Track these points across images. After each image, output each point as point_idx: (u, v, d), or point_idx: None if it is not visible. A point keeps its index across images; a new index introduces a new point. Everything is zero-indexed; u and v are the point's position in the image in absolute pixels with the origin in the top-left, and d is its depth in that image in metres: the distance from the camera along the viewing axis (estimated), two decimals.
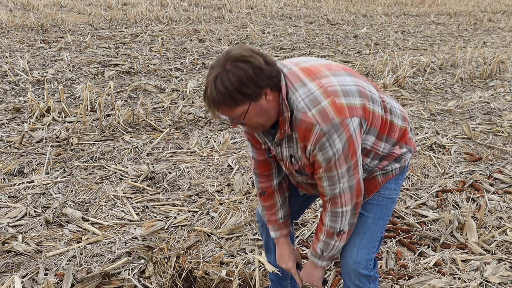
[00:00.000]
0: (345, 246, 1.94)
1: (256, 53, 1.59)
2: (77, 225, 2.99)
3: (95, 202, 3.28)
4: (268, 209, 2.05)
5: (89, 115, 4.80)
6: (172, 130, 4.63)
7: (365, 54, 8.46)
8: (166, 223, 3.02)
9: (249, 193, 3.44)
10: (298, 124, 1.66)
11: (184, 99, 5.54)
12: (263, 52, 1.64)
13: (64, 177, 3.60)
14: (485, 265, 2.70)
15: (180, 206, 3.26)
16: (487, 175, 3.85)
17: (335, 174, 1.71)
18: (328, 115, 1.61)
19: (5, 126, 4.50)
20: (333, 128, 1.62)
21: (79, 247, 2.75)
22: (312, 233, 2.96)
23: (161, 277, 2.54)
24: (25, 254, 2.68)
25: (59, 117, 4.72)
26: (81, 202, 3.27)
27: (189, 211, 3.19)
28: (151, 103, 5.36)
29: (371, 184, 1.91)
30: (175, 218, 3.10)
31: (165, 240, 2.85)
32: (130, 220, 3.07)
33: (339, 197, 1.77)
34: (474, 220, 3.11)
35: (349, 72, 1.78)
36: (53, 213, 3.09)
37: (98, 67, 6.74)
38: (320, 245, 1.88)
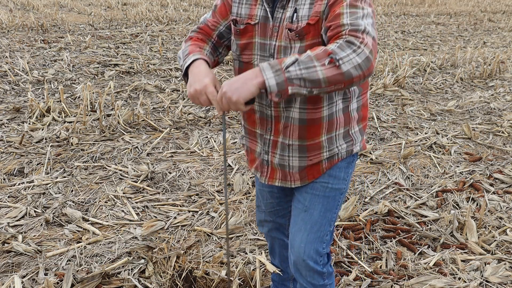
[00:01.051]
0: (292, 243, 1.76)
1: None
2: (77, 225, 2.99)
3: (95, 202, 3.28)
4: (195, 46, 1.70)
5: (89, 115, 4.80)
6: (172, 130, 4.63)
7: None
8: (166, 223, 3.03)
9: (249, 193, 3.45)
10: None
11: (184, 99, 5.54)
12: None
13: (64, 177, 3.60)
14: (485, 265, 2.70)
15: (180, 206, 3.26)
16: (487, 175, 3.85)
17: (359, 11, 1.45)
18: None
19: (5, 126, 4.50)
20: None
21: (79, 247, 2.75)
22: None
23: (161, 277, 2.54)
24: (25, 254, 2.68)
25: (59, 117, 4.72)
26: (81, 202, 3.27)
27: (189, 211, 3.19)
28: (151, 103, 5.36)
29: (314, 169, 1.72)
30: (175, 218, 3.10)
31: (165, 240, 2.85)
32: (130, 220, 3.07)
33: (362, 33, 1.40)
34: (474, 220, 3.11)
35: None
36: (53, 213, 3.10)
37: (98, 67, 6.74)
38: (297, 57, 1.38)
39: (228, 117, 4.98)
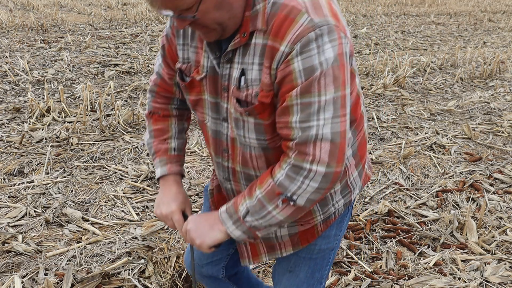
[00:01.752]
0: None
1: None
2: (77, 225, 2.99)
3: (95, 202, 3.28)
4: (158, 135, 1.49)
5: (89, 115, 4.80)
6: None
7: (365, 54, 8.46)
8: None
9: None
10: (275, 13, 1.12)
11: None
12: None
13: (64, 177, 3.60)
14: (485, 265, 2.70)
15: None
16: (487, 175, 3.85)
17: (314, 101, 1.11)
18: (322, 9, 1.11)
19: (5, 126, 4.50)
20: (326, 26, 1.09)
21: (79, 247, 2.75)
22: None
23: (161, 277, 2.54)
24: (25, 254, 2.68)
25: (59, 117, 4.72)
26: (81, 202, 3.27)
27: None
28: None
29: (308, 232, 1.43)
30: None
31: (165, 240, 2.85)
32: (130, 220, 3.07)
33: (312, 145, 1.13)
34: (474, 220, 3.11)
35: None
36: (53, 213, 3.10)
37: (98, 67, 6.74)
38: (249, 203, 1.22)
39: None
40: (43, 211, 3.12)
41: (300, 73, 1.09)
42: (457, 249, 2.86)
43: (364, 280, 2.54)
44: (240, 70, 1.19)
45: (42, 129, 4.44)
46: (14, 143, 4.11)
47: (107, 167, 3.79)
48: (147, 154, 4.06)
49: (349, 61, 1.16)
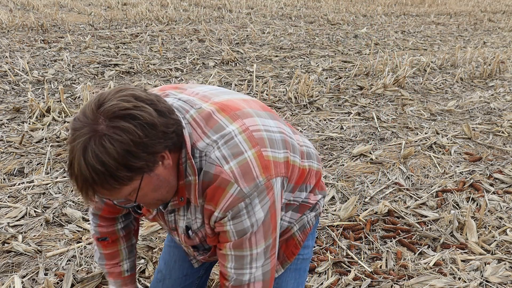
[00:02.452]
0: None
1: (142, 99, 1.07)
2: (77, 225, 2.99)
3: None
4: (109, 259, 1.56)
5: None
6: None
7: (365, 54, 8.46)
8: None
9: None
10: (208, 181, 1.19)
11: None
12: (151, 92, 1.15)
13: (64, 177, 3.60)
14: (485, 265, 2.70)
15: None
16: (487, 175, 3.85)
17: (247, 254, 1.26)
18: (252, 172, 1.18)
19: (5, 126, 4.50)
20: (256, 191, 1.18)
21: (79, 247, 2.75)
22: None
23: None
24: (25, 254, 2.68)
25: (59, 117, 4.72)
26: (81, 202, 3.27)
27: None
28: None
29: (290, 244, 1.52)
30: None
31: (165, 240, 2.84)
32: None
33: (246, 287, 1.30)
34: (474, 220, 3.11)
35: (269, 113, 1.36)
36: (53, 213, 3.10)
37: (98, 67, 6.74)
38: None
39: None
40: (43, 211, 3.12)
41: (233, 233, 1.24)
42: (457, 249, 2.86)
43: (364, 280, 2.54)
44: (186, 223, 1.33)
45: (42, 129, 4.44)
46: (14, 143, 4.11)
47: None
48: None
49: (281, 198, 1.29)
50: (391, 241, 2.91)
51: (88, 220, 3.03)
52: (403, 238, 2.95)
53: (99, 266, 1.58)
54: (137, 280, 1.62)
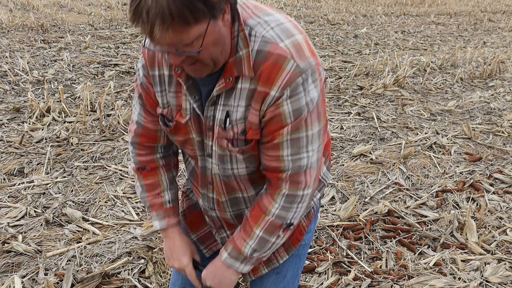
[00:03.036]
0: None
1: None
2: (77, 225, 2.99)
3: (95, 202, 3.28)
4: (150, 189, 1.50)
5: (89, 115, 4.80)
6: None
7: (365, 54, 8.46)
8: None
9: None
10: (262, 61, 1.16)
11: None
12: None
13: (64, 177, 3.60)
14: (485, 265, 2.70)
15: None
16: (487, 175, 3.85)
17: (303, 136, 1.22)
18: (304, 52, 1.18)
19: (5, 126, 4.50)
20: (310, 69, 1.17)
21: (79, 247, 2.75)
22: None
23: (161, 277, 2.54)
24: (25, 254, 2.68)
25: (59, 117, 4.72)
26: (81, 202, 3.27)
27: None
28: None
29: (296, 231, 1.48)
30: None
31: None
32: (130, 220, 3.07)
33: (303, 174, 1.26)
34: (474, 220, 3.11)
35: None
36: (53, 213, 3.10)
37: (98, 67, 6.74)
38: (252, 243, 1.33)
39: None
40: (43, 211, 3.12)
41: (289, 113, 1.19)
42: (457, 249, 2.86)
43: (364, 280, 2.54)
44: (225, 112, 1.24)
45: (42, 129, 4.44)
46: (14, 143, 4.11)
47: (107, 167, 3.79)
48: None
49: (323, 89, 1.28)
50: (391, 241, 2.91)
51: (88, 220, 3.04)
52: (403, 238, 2.95)
53: (141, 200, 1.53)
54: (179, 215, 1.57)
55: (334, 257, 2.73)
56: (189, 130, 1.33)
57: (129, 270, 2.57)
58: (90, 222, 3.03)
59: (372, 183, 3.69)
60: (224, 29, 1.13)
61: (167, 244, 1.50)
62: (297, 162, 1.24)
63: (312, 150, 1.24)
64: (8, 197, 3.30)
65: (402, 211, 3.24)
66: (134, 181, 1.59)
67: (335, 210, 3.25)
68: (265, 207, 1.31)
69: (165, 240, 1.51)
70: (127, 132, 4.50)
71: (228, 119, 1.24)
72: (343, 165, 3.96)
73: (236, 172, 1.34)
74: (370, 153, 4.20)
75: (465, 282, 2.55)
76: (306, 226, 1.51)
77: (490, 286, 2.54)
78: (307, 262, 2.66)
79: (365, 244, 2.90)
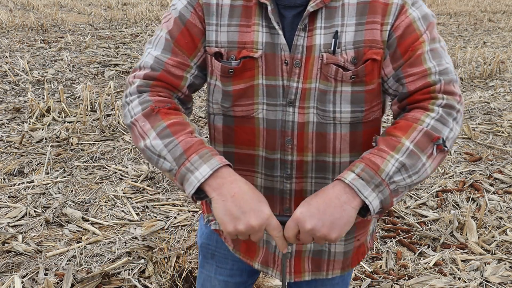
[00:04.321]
0: None
1: None
2: (77, 225, 2.99)
3: (95, 202, 3.28)
4: (179, 129, 1.01)
5: (89, 115, 4.80)
6: None
7: None
8: (166, 223, 3.03)
9: None
10: None
11: None
12: None
13: (64, 177, 3.60)
14: (485, 265, 2.70)
15: (180, 206, 3.26)
16: (487, 175, 3.85)
17: (439, 46, 1.07)
18: None
19: (5, 126, 4.50)
20: None
21: (79, 247, 2.75)
22: None
23: (161, 277, 2.54)
24: (25, 254, 2.68)
25: (59, 117, 4.72)
26: (81, 202, 3.27)
27: (189, 211, 3.19)
28: None
29: (359, 251, 1.29)
30: (175, 218, 3.10)
31: (165, 240, 2.85)
32: (130, 220, 3.07)
33: (454, 85, 1.06)
34: (474, 220, 3.11)
35: None
36: (53, 213, 3.10)
37: (98, 67, 6.74)
38: (398, 156, 0.97)
39: None
40: (43, 211, 3.12)
41: (420, 21, 1.04)
42: (457, 249, 2.86)
43: (364, 280, 2.54)
44: (331, 35, 1.03)
45: (42, 129, 4.44)
46: (14, 143, 4.11)
47: (107, 167, 3.79)
48: None
49: None
50: (391, 241, 2.91)
51: (88, 220, 3.04)
52: (403, 238, 2.95)
53: (159, 152, 0.99)
54: None
55: None
56: (257, 72, 1.07)
57: (129, 270, 2.57)
58: (90, 222, 3.03)
59: None
60: None
61: (228, 194, 0.95)
62: (444, 72, 1.05)
63: (450, 62, 1.08)
64: (8, 197, 3.30)
65: (402, 211, 3.24)
66: (137, 136, 1.05)
67: None
68: (417, 118, 1.02)
69: (219, 193, 0.96)
70: (127, 132, 4.50)
71: (337, 42, 1.02)
72: None
73: (338, 117, 1.08)
74: None
75: (465, 282, 2.56)
76: (369, 247, 1.31)
77: (490, 286, 2.54)
78: None
79: None
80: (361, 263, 2.69)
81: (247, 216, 0.94)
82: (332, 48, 1.03)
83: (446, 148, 1.01)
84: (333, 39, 1.02)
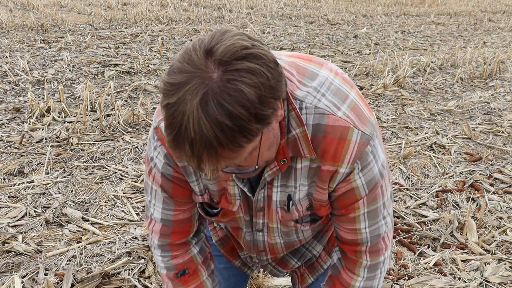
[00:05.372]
0: None
1: (253, 38, 0.90)
2: (77, 225, 2.99)
3: (95, 202, 3.28)
4: None
5: (89, 115, 4.80)
6: None
7: (365, 54, 8.46)
8: None
9: None
10: (322, 136, 1.02)
11: None
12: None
13: (64, 177, 3.60)
14: (485, 265, 2.70)
15: None
16: (487, 175, 3.85)
17: (380, 205, 1.12)
18: (363, 113, 1.05)
19: (5, 126, 4.50)
20: (374, 131, 1.05)
21: (79, 247, 2.75)
22: None
23: None
24: (25, 254, 2.68)
25: (59, 117, 4.72)
26: (81, 202, 3.27)
27: None
28: (151, 103, 5.36)
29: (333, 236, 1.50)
30: None
31: None
32: (130, 220, 3.07)
33: (382, 240, 1.17)
34: (474, 220, 3.11)
35: None
36: (53, 213, 3.10)
37: (98, 67, 6.74)
38: None
39: None
40: (43, 211, 3.12)
41: (363, 187, 1.08)
42: (457, 249, 2.86)
43: None
44: (286, 195, 1.12)
45: (42, 129, 4.44)
46: (14, 143, 4.11)
47: (107, 167, 3.79)
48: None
49: None
50: None
51: (88, 220, 3.04)
52: (403, 238, 2.95)
53: None
54: None
55: None
56: (237, 212, 1.20)
57: (129, 270, 2.57)
58: (90, 222, 3.03)
59: None
60: (276, 126, 0.97)
61: None
62: (375, 232, 1.14)
63: (388, 215, 1.15)
64: (8, 197, 3.30)
65: (402, 211, 3.24)
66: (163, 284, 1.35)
67: None
68: (347, 283, 1.20)
69: None
70: (127, 132, 4.51)
71: (290, 201, 1.12)
72: None
73: (302, 238, 1.28)
74: None
75: (465, 282, 2.55)
76: None
77: (490, 286, 2.54)
78: None
79: None
80: None
81: None
82: (287, 207, 1.14)
83: None
84: (287, 200, 1.13)
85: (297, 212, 1.15)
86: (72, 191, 3.41)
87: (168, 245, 1.25)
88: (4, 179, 3.54)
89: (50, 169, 3.71)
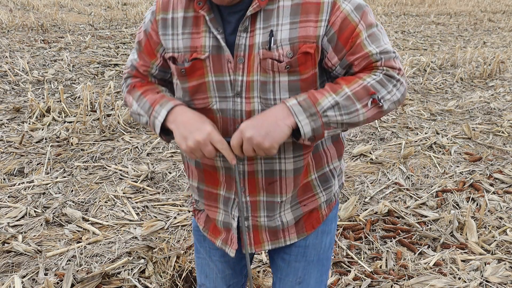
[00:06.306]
0: None
1: None
2: (77, 225, 2.99)
3: (95, 202, 3.28)
4: (149, 92, 1.35)
5: (89, 115, 4.80)
6: None
7: None
8: (166, 223, 3.03)
9: None
10: None
11: None
12: None
13: (64, 177, 3.60)
14: (485, 265, 2.70)
15: (180, 206, 3.26)
16: (487, 175, 3.85)
17: (375, 30, 1.22)
18: None
19: (5, 126, 4.50)
20: None
21: (79, 247, 2.75)
22: None
23: (161, 277, 2.54)
24: (25, 254, 2.68)
25: (59, 117, 4.72)
26: (81, 202, 3.27)
27: (189, 211, 3.19)
28: None
29: (313, 217, 1.43)
30: (175, 218, 3.10)
31: (165, 240, 2.85)
32: (130, 220, 3.07)
33: (393, 60, 1.23)
34: (474, 220, 3.11)
35: None
36: (53, 213, 3.10)
37: (98, 67, 6.74)
38: (335, 96, 1.18)
39: None
40: (43, 211, 3.12)
41: (354, 13, 1.18)
42: (457, 249, 2.86)
43: (364, 280, 2.54)
44: (268, 33, 1.19)
45: (42, 129, 4.44)
46: (14, 143, 4.11)
47: (107, 167, 3.79)
48: (147, 154, 4.06)
49: None
50: (391, 241, 2.91)
51: (88, 220, 3.04)
52: (403, 238, 2.95)
53: (137, 115, 1.33)
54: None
55: (334, 257, 2.73)
56: (206, 71, 1.25)
57: (129, 270, 2.57)
58: (90, 222, 3.04)
59: (372, 183, 3.69)
60: None
61: (179, 123, 1.23)
62: (384, 51, 1.21)
63: (388, 42, 1.24)
64: (8, 197, 3.30)
65: (402, 211, 3.24)
66: (127, 102, 1.42)
67: None
68: (360, 77, 1.21)
69: (176, 123, 1.24)
70: (127, 132, 4.51)
71: (272, 39, 1.18)
72: None
73: (282, 160, 1.28)
74: (370, 153, 4.20)
75: (465, 282, 2.55)
76: (325, 214, 1.43)
77: (490, 286, 2.54)
78: None
79: (365, 244, 2.90)
80: (361, 263, 2.69)
81: (193, 134, 1.19)
82: (268, 45, 1.19)
83: (381, 104, 1.20)
84: (269, 37, 1.19)
85: (277, 53, 1.19)
86: (72, 191, 3.41)
87: (132, 76, 1.42)
88: (4, 179, 3.54)
89: (50, 169, 3.71)
